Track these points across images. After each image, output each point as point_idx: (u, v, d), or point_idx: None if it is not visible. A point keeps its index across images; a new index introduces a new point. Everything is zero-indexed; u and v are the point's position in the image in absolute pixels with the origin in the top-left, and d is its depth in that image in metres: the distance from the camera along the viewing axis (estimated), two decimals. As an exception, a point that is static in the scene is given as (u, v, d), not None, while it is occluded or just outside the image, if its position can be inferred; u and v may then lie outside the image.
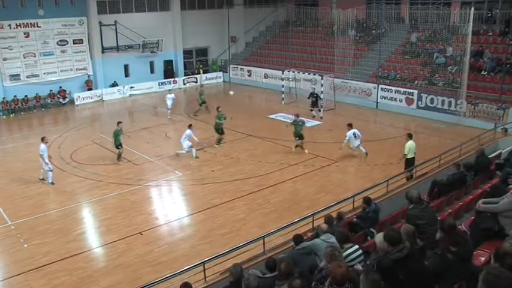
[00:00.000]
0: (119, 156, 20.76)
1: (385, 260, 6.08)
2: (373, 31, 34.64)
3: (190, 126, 21.18)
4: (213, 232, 14.30)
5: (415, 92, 27.38)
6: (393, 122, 26.33)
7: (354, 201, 14.12)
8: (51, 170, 18.47)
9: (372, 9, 33.97)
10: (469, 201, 11.44)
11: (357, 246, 7.80)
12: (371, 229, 10.64)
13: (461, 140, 19.41)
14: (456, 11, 28.90)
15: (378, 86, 29.33)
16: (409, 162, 17.07)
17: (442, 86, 27.15)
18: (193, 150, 20.91)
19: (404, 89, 28.04)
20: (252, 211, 15.61)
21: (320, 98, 27.84)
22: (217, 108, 23.39)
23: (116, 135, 20.64)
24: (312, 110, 27.56)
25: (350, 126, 20.29)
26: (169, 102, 28.30)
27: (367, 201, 11.62)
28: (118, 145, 20.64)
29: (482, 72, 26.73)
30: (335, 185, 17.60)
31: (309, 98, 28.00)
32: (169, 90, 30.97)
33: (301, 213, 14.37)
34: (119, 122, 21.31)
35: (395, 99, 28.35)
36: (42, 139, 18.62)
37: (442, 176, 14.04)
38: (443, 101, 26.05)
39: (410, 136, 17.45)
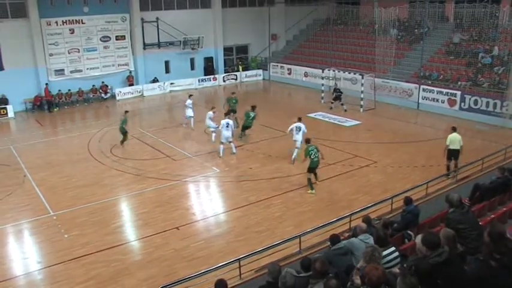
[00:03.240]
0: (123, 142, 22.64)
1: (423, 263, 5.92)
2: (416, 30, 33.97)
3: (212, 109, 22.44)
4: (249, 229, 14.29)
5: (458, 93, 26.68)
6: (434, 124, 25.75)
7: (392, 203, 13.93)
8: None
9: (415, 7, 33.41)
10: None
11: (393, 249, 7.64)
12: (408, 231, 10.42)
13: (506, 143, 18.91)
14: (506, 8, 28.06)
15: (420, 86, 28.72)
16: (450, 153, 17.26)
17: (487, 87, 26.38)
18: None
19: (447, 90, 27.36)
20: (289, 209, 15.53)
21: (341, 93, 28.60)
22: (253, 107, 23.33)
23: (122, 122, 22.64)
24: (332, 103, 28.68)
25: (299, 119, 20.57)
26: (189, 112, 25.33)
27: (406, 201, 11.42)
28: (124, 132, 22.57)
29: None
30: (373, 185, 17.33)
31: (333, 93, 28.81)
32: (190, 95, 26.41)
33: (338, 213, 14.24)
34: (126, 111, 23.45)
35: (437, 100, 27.71)
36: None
37: (485, 180, 13.65)
38: (487, 103, 25.27)
39: (454, 129, 17.61)
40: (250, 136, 23.39)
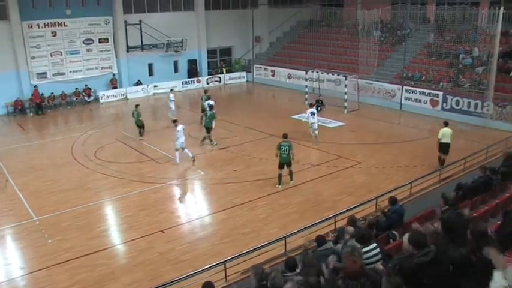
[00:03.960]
0: (142, 134, 24.14)
1: (407, 263, 5.96)
2: (398, 32, 34.28)
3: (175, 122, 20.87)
4: (235, 231, 14.27)
5: (440, 93, 26.96)
6: (417, 124, 25.99)
7: (376, 203, 14.03)
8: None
9: (397, 9, 33.72)
10: (494, 205, 11.18)
11: (375, 245, 7.71)
12: (393, 231, 10.48)
13: (488, 143, 19.14)
14: (484, 11, 28.45)
15: (403, 87, 28.97)
16: (442, 146, 18.22)
17: (468, 87, 26.68)
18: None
19: (429, 91, 27.64)
20: (274, 211, 15.54)
21: (324, 106, 29.23)
22: (211, 107, 23.39)
23: (138, 116, 24.04)
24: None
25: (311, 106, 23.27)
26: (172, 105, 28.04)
27: (392, 201, 11.49)
28: (140, 125, 24.03)
29: (511, 74, 26.18)
30: (357, 186, 17.41)
31: (315, 102, 27.59)
32: (171, 89, 30.42)
33: (322, 214, 14.28)
34: (137, 105, 24.71)
35: (419, 101, 27.97)
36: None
37: (467, 179, 13.80)
38: (469, 103, 25.57)
39: (446, 123, 18.58)
40: (235, 139, 23.35)
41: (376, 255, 7.54)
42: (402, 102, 28.90)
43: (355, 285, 5.78)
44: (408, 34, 32.34)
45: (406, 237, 6.35)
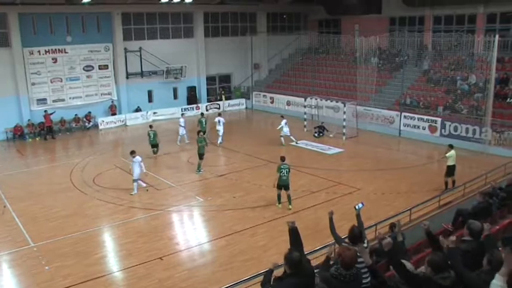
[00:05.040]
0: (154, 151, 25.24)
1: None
2: (396, 59, 34.62)
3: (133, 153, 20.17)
4: (234, 259, 14.18)
5: (439, 120, 27.11)
6: (416, 150, 26.06)
7: (376, 230, 13.93)
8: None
9: (395, 37, 34.07)
10: (495, 231, 11.14)
11: (366, 245, 8.05)
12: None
13: (486, 169, 19.12)
14: (480, 38, 28.80)
15: (401, 113, 29.13)
16: (450, 170, 18.96)
17: (466, 113, 26.84)
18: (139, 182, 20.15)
19: (428, 117, 27.79)
20: (273, 238, 15.45)
21: (327, 131, 29.83)
22: (198, 132, 23.75)
23: (154, 135, 25.11)
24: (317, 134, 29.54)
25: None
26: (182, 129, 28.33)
27: (391, 227, 11.43)
28: (155, 144, 25.08)
29: (508, 100, 26.39)
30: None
31: (316, 127, 29.83)
32: (182, 114, 32.05)
33: (322, 241, 14.15)
34: (150, 126, 26.04)
35: (418, 127, 28.10)
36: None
37: (467, 205, 13.78)
38: (467, 129, 25.71)
39: (451, 146, 19.39)
40: (233, 166, 23.36)
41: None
42: (401, 128, 29.01)
43: (349, 276, 6.15)
44: (406, 61, 32.67)
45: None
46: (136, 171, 19.79)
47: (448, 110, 27.76)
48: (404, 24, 35.42)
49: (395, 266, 6.59)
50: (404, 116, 28.92)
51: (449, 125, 26.52)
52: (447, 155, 19.07)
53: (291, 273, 6.46)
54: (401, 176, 21.33)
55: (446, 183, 18.96)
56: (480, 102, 26.59)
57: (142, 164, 19.89)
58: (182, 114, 31.15)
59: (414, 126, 28.35)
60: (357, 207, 9.34)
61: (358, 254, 7.46)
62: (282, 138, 27.47)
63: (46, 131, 31.29)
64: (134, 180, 19.92)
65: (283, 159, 18.05)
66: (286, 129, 27.36)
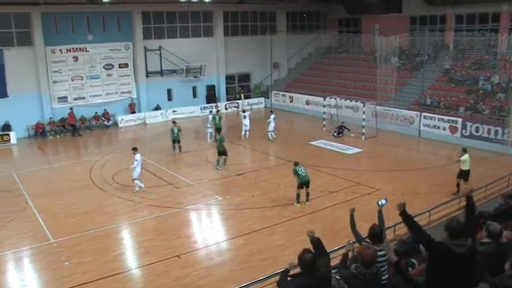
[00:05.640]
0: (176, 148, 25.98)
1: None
2: (417, 58, 34.27)
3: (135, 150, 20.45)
4: (252, 257, 14.19)
5: (459, 120, 26.75)
6: (436, 151, 25.77)
7: (395, 230, 13.83)
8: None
9: (415, 36, 33.74)
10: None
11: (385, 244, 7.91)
12: (412, 259, 10.32)
13: (509, 171, 18.86)
14: (504, 37, 28.36)
15: (421, 113, 28.84)
16: (465, 174, 18.32)
17: (488, 114, 26.46)
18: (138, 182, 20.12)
19: (448, 117, 27.45)
20: (291, 237, 15.42)
21: (348, 129, 29.68)
22: (217, 130, 25.95)
23: (178, 130, 25.87)
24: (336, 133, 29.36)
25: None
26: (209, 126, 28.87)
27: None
28: (177, 139, 25.73)
29: (532, 101, 25.96)
30: (376, 213, 17.17)
31: (337, 128, 29.64)
32: (210, 111, 33.19)
33: (340, 241, 14.05)
34: (173, 122, 26.86)
35: (438, 128, 27.77)
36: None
37: (488, 207, 13.58)
38: (489, 130, 25.31)
39: (465, 150, 18.63)
40: (252, 165, 23.37)
41: (382, 256, 7.76)
42: (421, 128, 28.71)
43: (369, 275, 6.22)
44: (426, 60, 32.34)
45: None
46: (137, 170, 19.87)
47: (470, 111, 27.39)
48: (425, 23, 35.06)
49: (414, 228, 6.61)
50: (424, 116, 28.61)
51: (471, 126, 26.15)
52: (461, 159, 18.49)
53: (303, 273, 6.65)
54: (421, 177, 21.10)
55: (458, 185, 18.42)
56: (503, 102, 26.19)
57: (140, 161, 20.00)
58: (210, 112, 32.64)
59: (434, 127, 28.03)
60: (380, 203, 9.29)
61: (379, 253, 7.48)
62: (270, 133, 28.43)
63: (72, 128, 31.80)
64: (134, 179, 19.96)
65: (296, 163, 18.17)
66: (272, 125, 28.37)
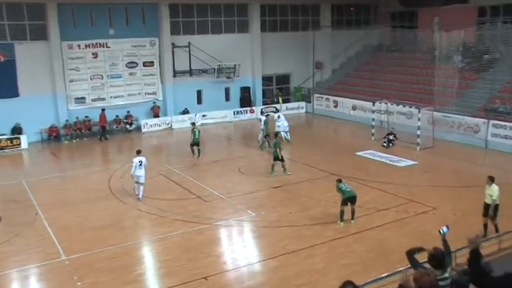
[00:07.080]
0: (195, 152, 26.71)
1: None
2: (485, 56, 33.47)
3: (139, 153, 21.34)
4: (287, 282, 14.03)
5: (536, 129, 26.09)
6: (506, 165, 25.05)
7: (455, 258, 13.45)
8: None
9: (484, 30, 33.00)
10: None
11: (447, 275, 7.72)
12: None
13: None
14: None
15: (489, 121, 28.14)
16: (495, 209, 16.50)
17: None
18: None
19: (523, 126, 26.75)
20: (333, 261, 15.23)
21: (396, 138, 29.17)
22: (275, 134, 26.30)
23: (199, 133, 26.76)
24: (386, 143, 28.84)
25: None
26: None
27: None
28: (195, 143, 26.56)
29: None
30: (432, 235, 16.80)
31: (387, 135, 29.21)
32: (267, 115, 33.42)
33: (390, 267, 13.83)
34: (192, 123, 27.84)
35: (510, 138, 27.05)
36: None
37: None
38: None
39: (492, 179, 16.86)
40: (287, 177, 23.30)
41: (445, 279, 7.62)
42: (488, 139, 28.00)
43: None
44: (497, 59, 31.57)
45: None
46: (137, 174, 20.43)
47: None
48: (498, 14, 34.30)
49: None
50: (493, 125, 27.89)
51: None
52: (488, 192, 16.65)
53: None
54: (487, 195, 20.57)
55: (485, 226, 16.50)
56: None
57: (136, 165, 20.46)
58: (261, 113, 34.60)
59: (505, 137, 27.23)
60: (441, 231, 9.16)
61: (441, 283, 7.29)
62: (284, 134, 29.36)
63: (101, 131, 32.35)
64: (141, 184, 20.56)
65: (340, 180, 18.22)
66: (279, 124, 29.70)
